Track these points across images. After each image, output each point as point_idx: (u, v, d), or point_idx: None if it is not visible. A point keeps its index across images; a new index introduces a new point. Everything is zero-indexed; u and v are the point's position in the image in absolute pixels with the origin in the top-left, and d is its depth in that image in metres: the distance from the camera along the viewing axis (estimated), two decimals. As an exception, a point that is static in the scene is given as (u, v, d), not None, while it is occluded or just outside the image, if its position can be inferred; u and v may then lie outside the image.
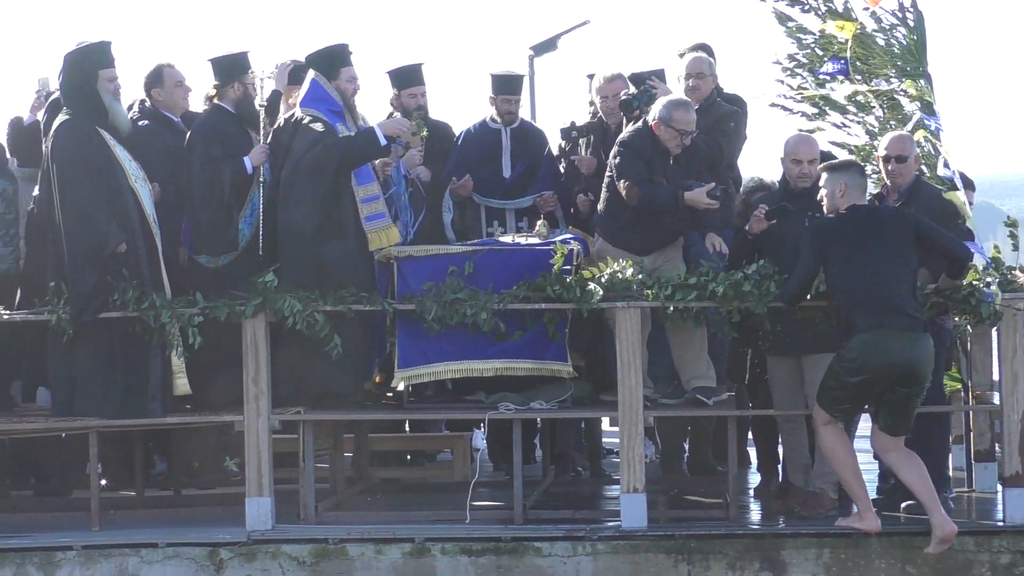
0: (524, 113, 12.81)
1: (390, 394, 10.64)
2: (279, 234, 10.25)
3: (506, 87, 11.78)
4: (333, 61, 10.48)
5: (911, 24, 11.54)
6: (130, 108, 10.76)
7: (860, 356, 9.23)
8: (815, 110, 11.79)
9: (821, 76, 11.50)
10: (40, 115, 10.78)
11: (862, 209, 9.54)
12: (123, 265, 9.93)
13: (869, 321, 9.24)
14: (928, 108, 11.20)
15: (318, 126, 10.19)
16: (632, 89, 10.91)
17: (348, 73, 10.49)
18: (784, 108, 11.86)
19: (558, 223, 11.37)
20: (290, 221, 10.20)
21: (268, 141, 10.40)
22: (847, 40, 11.18)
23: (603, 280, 9.81)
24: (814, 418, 9.61)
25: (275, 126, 10.51)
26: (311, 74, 10.45)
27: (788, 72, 11.94)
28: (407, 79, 11.73)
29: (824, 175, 9.66)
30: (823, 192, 9.64)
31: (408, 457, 12.41)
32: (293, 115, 10.38)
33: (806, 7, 11.80)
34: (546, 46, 21.22)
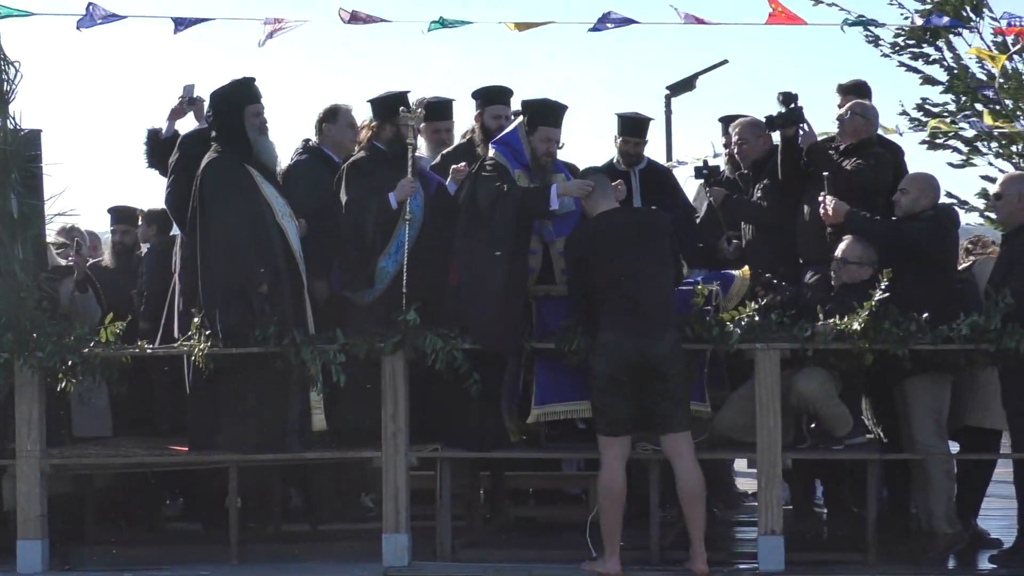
0: (660, 152, 12.78)
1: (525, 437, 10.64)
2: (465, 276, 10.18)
3: (632, 129, 11.73)
4: (535, 116, 10.40)
5: None
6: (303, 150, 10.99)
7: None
8: (966, 147, 11.74)
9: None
10: (177, 124, 10.96)
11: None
12: (266, 301, 9.98)
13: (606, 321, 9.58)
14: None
15: (495, 177, 10.17)
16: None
17: (545, 133, 10.36)
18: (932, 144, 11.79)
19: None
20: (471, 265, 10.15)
21: (414, 174, 10.39)
22: (996, 72, 11.13)
23: (743, 322, 9.76)
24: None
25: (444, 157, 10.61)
26: (519, 119, 10.50)
27: (915, 124, 11.91)
28: (494, 97, 11.20)
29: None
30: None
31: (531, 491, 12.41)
32: (482, 158, 10.43)
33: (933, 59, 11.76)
34: (683, 85, 21.15)
